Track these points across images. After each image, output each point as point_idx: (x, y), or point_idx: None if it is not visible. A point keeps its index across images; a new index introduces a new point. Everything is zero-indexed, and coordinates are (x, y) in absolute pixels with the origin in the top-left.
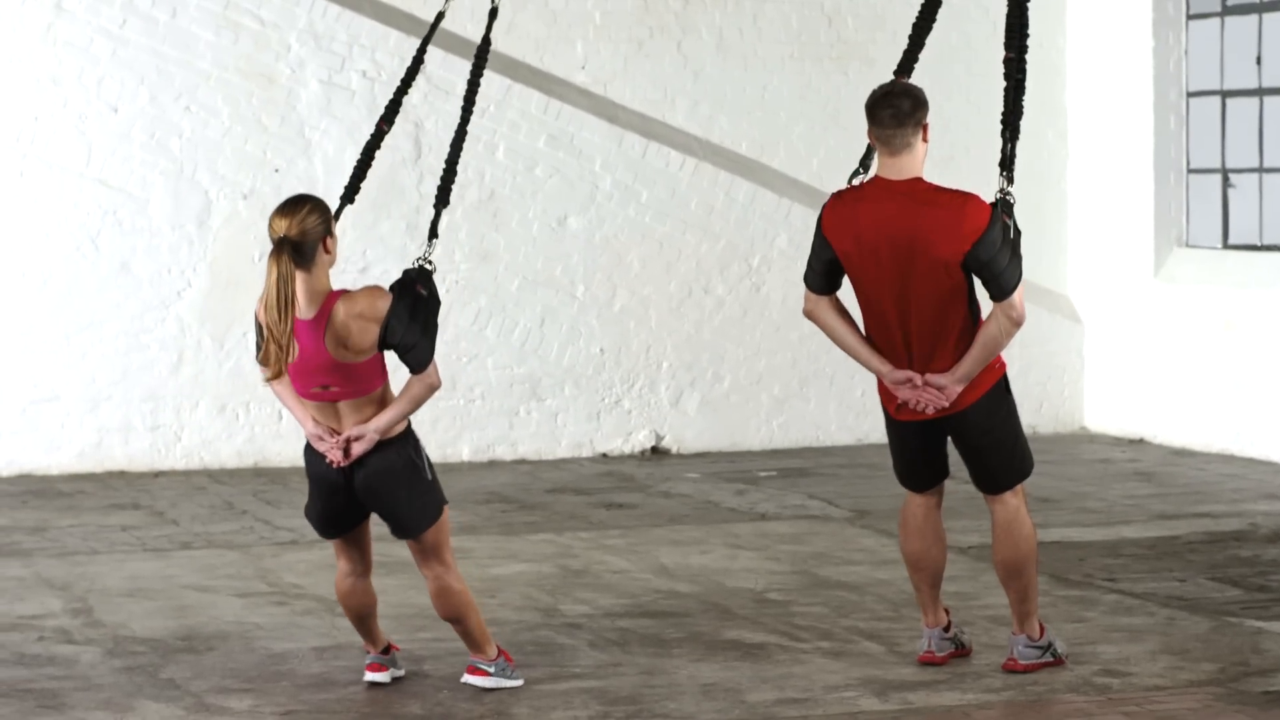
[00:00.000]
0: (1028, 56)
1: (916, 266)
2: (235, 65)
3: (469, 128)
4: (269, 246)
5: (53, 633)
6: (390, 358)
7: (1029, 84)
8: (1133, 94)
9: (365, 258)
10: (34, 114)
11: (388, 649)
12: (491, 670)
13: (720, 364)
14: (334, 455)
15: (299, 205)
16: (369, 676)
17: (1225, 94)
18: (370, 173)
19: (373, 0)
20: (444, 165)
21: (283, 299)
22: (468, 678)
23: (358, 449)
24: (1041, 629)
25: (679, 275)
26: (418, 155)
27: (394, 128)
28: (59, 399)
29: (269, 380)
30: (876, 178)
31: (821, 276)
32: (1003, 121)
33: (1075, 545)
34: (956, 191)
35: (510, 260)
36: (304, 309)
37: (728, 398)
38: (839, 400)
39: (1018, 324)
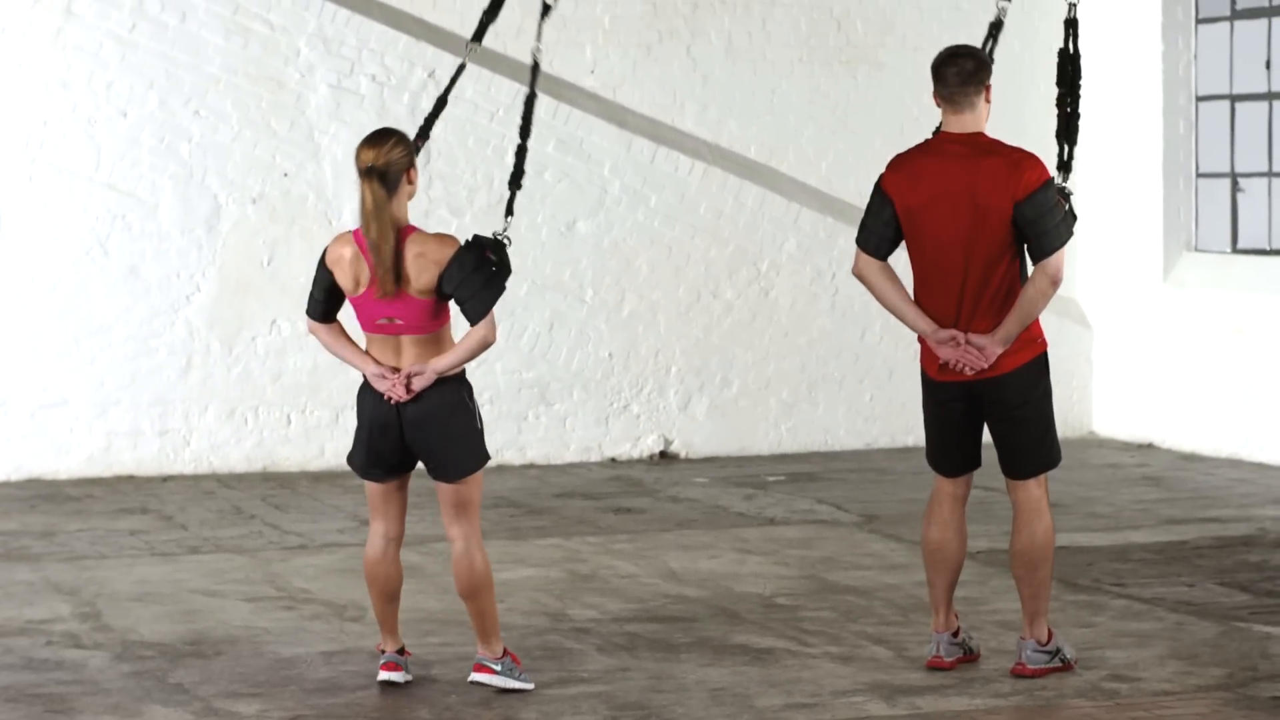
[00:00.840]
0: (1080, 88)
1: (970, 217)
2: (244, 70)
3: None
4: (278, 250)
5: (61, 637)
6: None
7: (1037, 88)
8: (1142, 98)
9: None
10: (43, 118)
11: (402, 650)
12: (498, 669)
13: (729, 368)
14: (396, 391)
15: (385, 137)
16: (384, 676)
17: (1234, 98)
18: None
19: (382, 5)
20: (515, 151)
21: (381, 220)
22: (475, 676)
23: (418, 384)
24: (1050, 634)
25: (688, 280)
26: (427, 160)
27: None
28: (68, 403)
29: (383, 295)
30: (941, 132)
31: (877, 239)
32: (1057, 133)
33: (1084, 550)
34: (1016, 147)
35: (519, 265)
36: (380, 237)
37: (736, 402)
38: (848, 405)
39: (1055, 284)
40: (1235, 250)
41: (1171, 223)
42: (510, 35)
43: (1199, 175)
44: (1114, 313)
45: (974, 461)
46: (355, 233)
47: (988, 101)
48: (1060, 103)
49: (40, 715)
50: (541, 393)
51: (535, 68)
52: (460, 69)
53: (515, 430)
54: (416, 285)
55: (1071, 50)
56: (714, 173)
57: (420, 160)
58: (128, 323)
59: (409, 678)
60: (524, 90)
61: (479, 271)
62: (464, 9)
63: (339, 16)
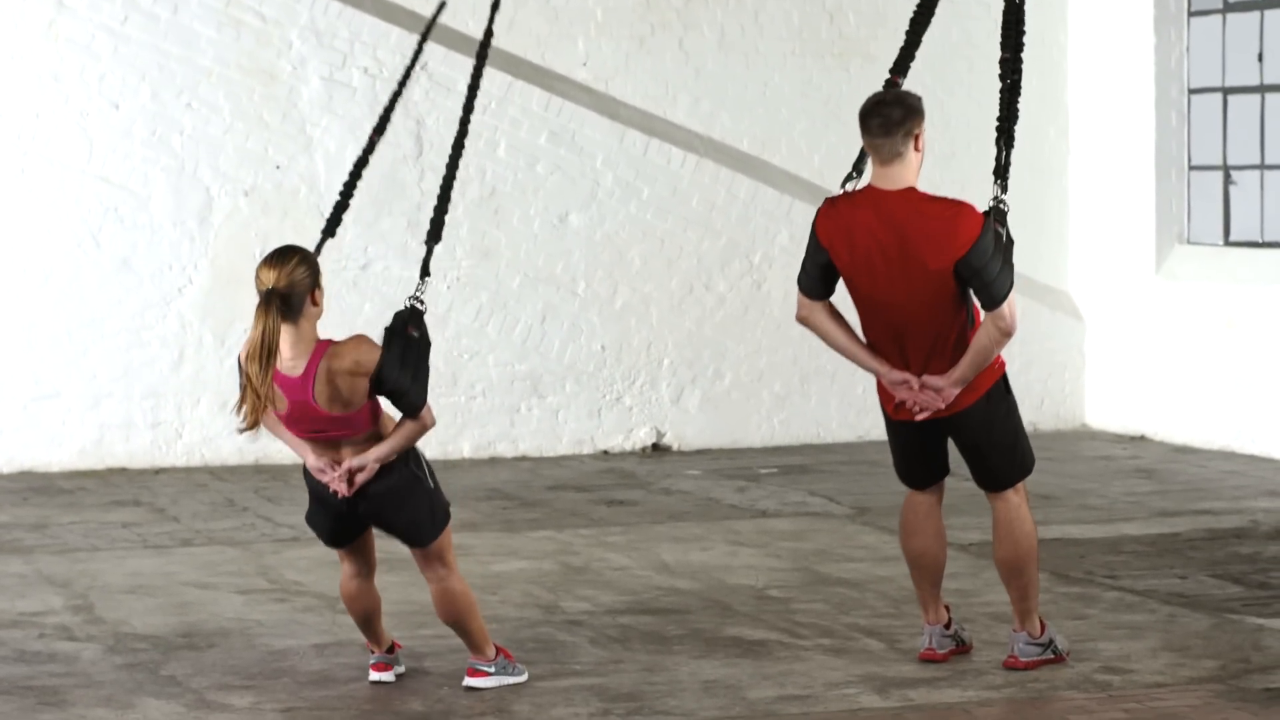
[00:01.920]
0: (1024, 56)
1: (910, 276)
2: (237, 62)
3: (465, 139)
4: (270, 243)
5: (54, 630)
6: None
7: (1030, 82)
8: (1134, 91)
9: (366, 254)
10: (35, 111)
11: (391, 648)
12: (491, 670)
13: (721, 361)
14: (338, 486)
15: (287, 257)
16: (374, 676)
17: (1227, 91)
18: (371, 169)
19: None
20: (435, 201)
21: (265, 352)
22: (468, 680)
23: (361, 479)
24: (1042, 626)
25: (680, 272)
26: (419, 152)
27: (395, 124)
28: (60, 395)
29: (245, 430)
30: (870, 186)
31: (816, 281)
32: (998, 128)
33: (1076, 542)
34: (949, 201)
35: (511, 257)
36: (291, 362)
37: (729, 395)
38: (840, 397)
39: (1007, 334)
40: (1227, 243)
41: (1164, 215)
42: (502, 28)
43: (1191, 168)
44: (1106, 305)
45: (942, 472)
46: None
47: (918, 150)
48: (1005, 69)
49: (33, 708)
50: (534, 385)
51: (495, 5)
52: (438, 11)
53: (508, 422)
54: (347, 399)
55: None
56: (706, 165)
57: (413, 153)
58: (120, 315)
59: (401, 670)
60: (519, 83)
61: (405, 365)
62: (456, 1)
63: (331, 9)
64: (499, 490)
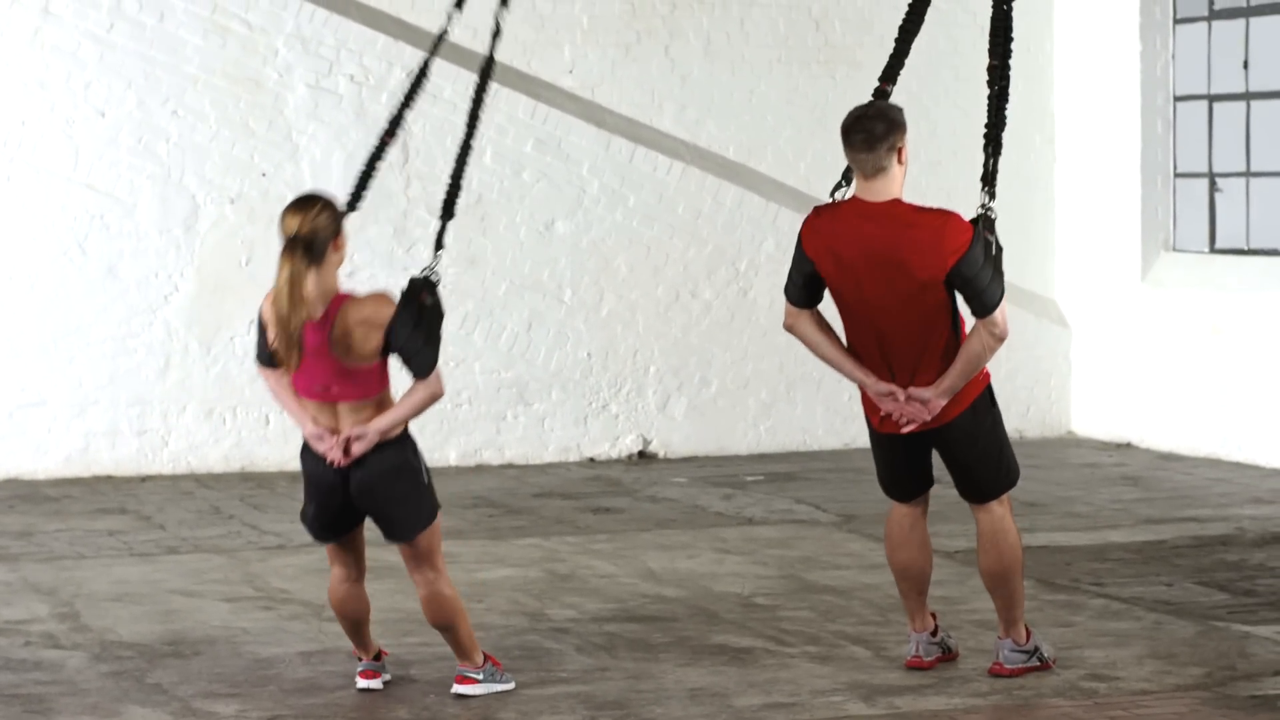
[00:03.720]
0: (1011, 63)
1: (898, 287)
2: (223, 70)
3: (471, 141)
4: (256, 251)
5: (39, 638)
6: (394, 363)
7: (1016, 89)
8: (1120, 98)
9: (353, 262)
10: (21, 118)
11: (378, 655)
12: (480, 677)
13: (707, 368)
14: (334, 455)
15: (311, 203)
16: (362, 684)
17: (1212, 98)
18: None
19: (360, 5)
20: (449, 179)
21: (295, 296)
22: (457, 688)
23: (358, 448)
24: (1028, 633)
25: (666, 279)
26: (405, 160)
27: (381, 131)
28: (46, 403)
29: (277, 370)
30: (855, 198)
31: (802, 290)
32: (985, 135)
33: (1062, 549)
34: (936, 211)
35: (498, 264)
36: (312, 306)
37: (715, 402)
38: (826, 405)
39: (1000, 340)
40: (1213, 250)
41: (1149, 222)
42: (487, 35)
43: (1177, 175)
44: (1092, 312)
45: (926, 484)
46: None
47: (901, 164)
48: (992, 77)
49: (18, 716)
50: (520, 392)
51: (496, 32)
52: (441, 37)
53: (494, 430)
54: (359, 352)
55: (1006, 7)
56: (692, 172)
57: (399, 160)
58: (106, 323)
59: (388, 678)
60: (505, 90)
61: (419, 327)
62: (442, 9)
63: (317, 16)
64: (485, 498)
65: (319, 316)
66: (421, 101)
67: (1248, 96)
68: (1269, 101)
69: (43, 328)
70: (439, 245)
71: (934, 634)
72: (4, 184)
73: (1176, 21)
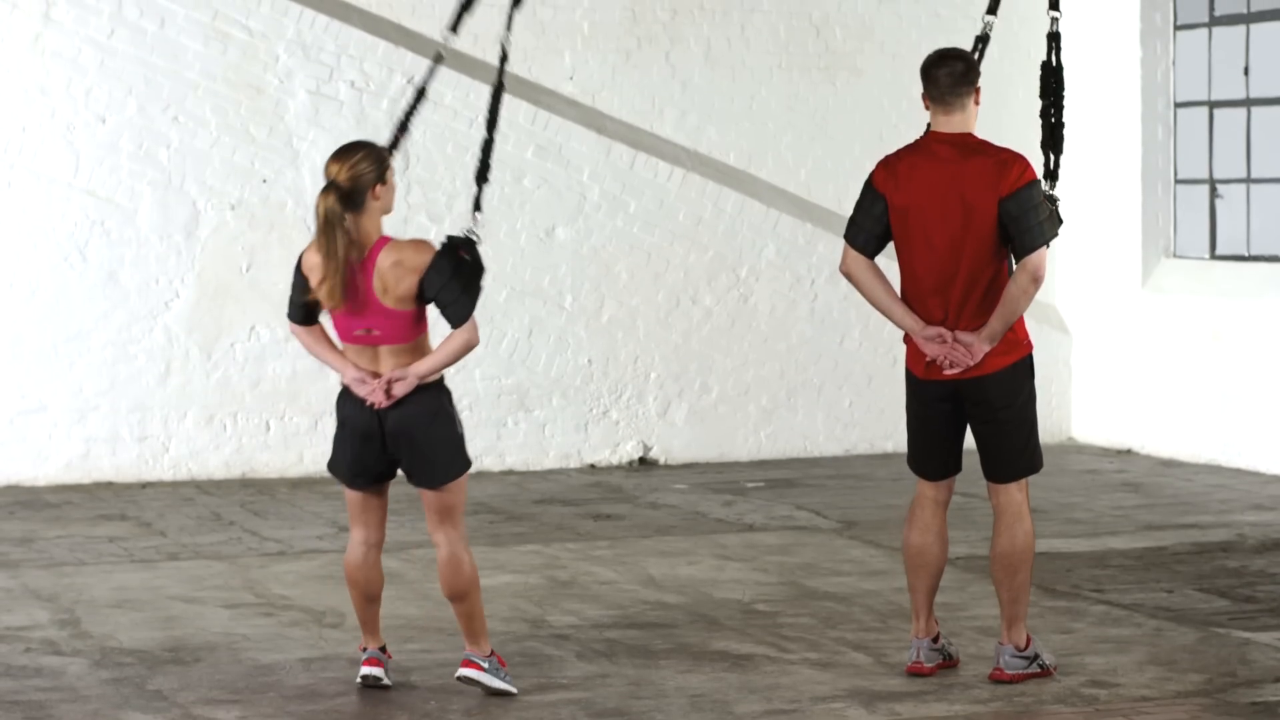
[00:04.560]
0: (1050, 95)
1: (959, 216)
2: (223, 75)
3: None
4: (257, 257)
5: (40, 644)
6: (433, 312)
7: (1017, 94)
8: (1120, 104)
9: None
10: (22, 124)
11: (383, 649)
12: (485, 666)
13: (708, 375)
14: (376, 397)
15: (353, 151)
16: (365, 670)
17: (1213, 104)
18: None
19: (361, 11)
20: (480, 148)
21: (331, 238)
22: (463, 671)
23: (399, 389)
24: (1028, 639)
25: (667, 286)
26: (405, 166)
27: (380, 138)
28: (46, 409)
29: (309, 326)
30: (931, 131)
31: (867, 233)
32: (1045, 145)
33: (1063, 556)
34: (1005, 148)
35: (498, 271)
36: (354, 249)
37: (715, 408)
38: (827, 411)
39: (1036, 281)
40: (1214, 256)
41: (1150, 228)
42: (489, 41)
43: (1177, 181)
44: (1093, 318)
45: (955, 465)
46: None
47: (977, 104)
48: (1044, 114)
49: None
50: (521, 399)
51: (503, 58)
52: (438, 59)
53: (494, 436)
54: (395, 294)
55: (1055, 63)
56: (693, 179)
57: (399, 166)
58: (106, 329)
59: (388, 684)
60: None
61: (457, 276)
62: (443, 16)
63: (318, 23)
64: (485, 504)
65: (361, 259)
66: (429, 110)
67: (1248, 103)
68: (1270, 108)
69: (43, 334)
70: (476, 207)
71: (935, 640)
72: (4, 190)
73: (1177, 27)
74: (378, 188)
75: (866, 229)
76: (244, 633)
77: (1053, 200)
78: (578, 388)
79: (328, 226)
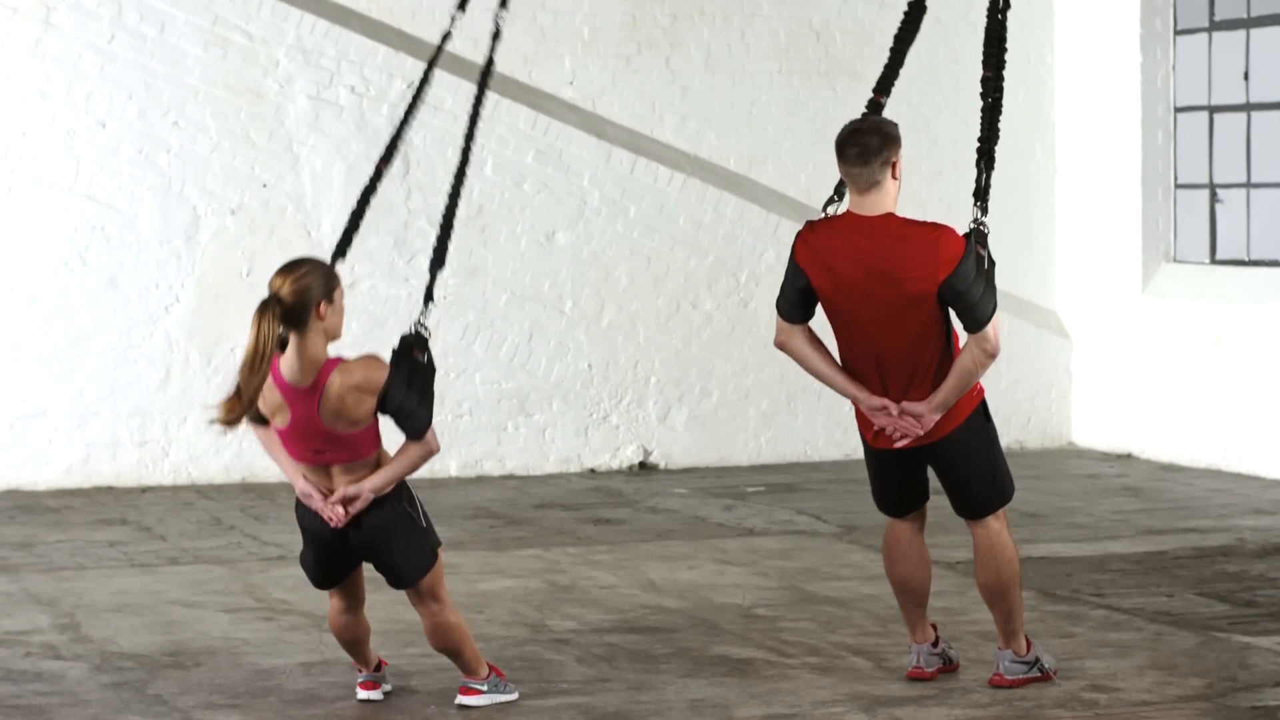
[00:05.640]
0: (1007, 74)
1: (890, 301)
2: (223, 81)
3: (468, 166)
4: (257, 262)
5: (40, 648)
6: (386, 420)
7: (1017, 100)
8: (1121, 109)
9: (354, 273)
10: (22, 129)
11: (378, 666)
12: (484, 689)
13: (708, 379)
14: (330, 514)
15: (298, 266)
16: (362, 695)
17: (1213, 109)
18: (356, 187)
19: (361, 16)
20: (439, 225)
21: (258, 357)
22: (461, 699)
23: (355, 507)
24: (1029, 644)
25: (667, 290)
26: (405, 170)
27: (381, 143)
28: (46, 414)
29: (215, 422)
30: (848, 213)
31: (795, 305)
32: (979, 149)
33: (1063, 560)
34: (929, 224)
35: (498, 275)
36: (300, 374)
37: (715, 413)
38: (827, 415)
39: (992, 356)
40: (1214, 261)
41: (1150, 233)
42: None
43: (1177, 186)
44: (1093, 323)
45: (922, 499)
46: (274, 361)
47: (895, 178)
48: (986, 88)
49: None
50: (521, 403)
51: (496, 35)
52: (445, 38)
53: (494, 441)
54: (351, 418)
55: (1001, 17)
56: (693, 184)
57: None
58: (107, 333)
59: (389, 688)
60: (506, 101)
61: (413, 387)
62: (443, 20)
63: (318, 28)
64: (486, 509)
65: (308, 385)
66: (422, 113)
67: (1248, 107)
68: (1270, 112)
69: (43, 338)
70: (428, 298)
71: (935, 645)
72: (5, 195)
73: (1177, 33)
74: (322, 305)
75: (793, 300)
76: (244, 637)
77: (983, 239)
78: (578, 392)
79: (257, 349)
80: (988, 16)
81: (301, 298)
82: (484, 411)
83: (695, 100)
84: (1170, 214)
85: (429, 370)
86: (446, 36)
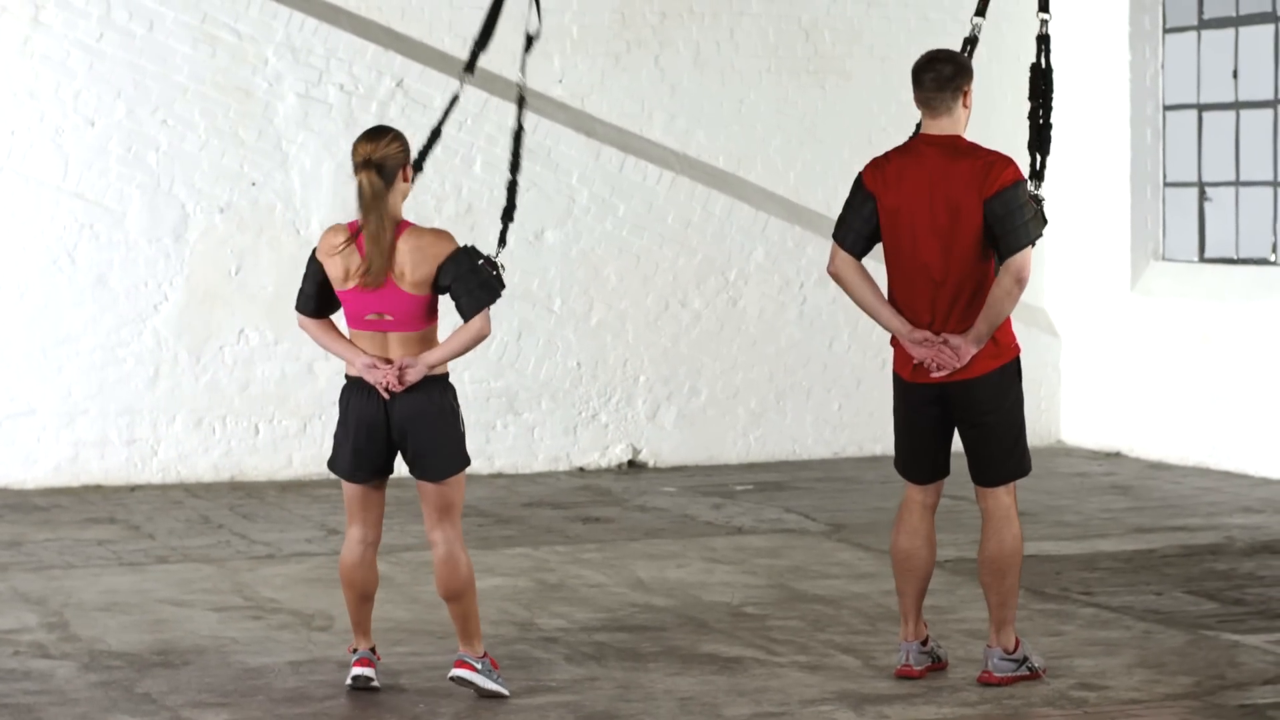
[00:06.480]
0: (1039, 98)
1: (949, 216)
2: (212, 79)
3: (522, 151)
4: (246, 260)
5: (28, 647)
6: (444, 306)
7: (1005, 97)
8: (1109, 107)
9: None
10: (10, 128)
11: (373, 650)
12: (479, 667)
13: (697, 378)
14: (389, 379)
15: (383, 133)
16: (356, 671)
17: (1202, 108)
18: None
19: (350, 14)
20: (506, 186)
21: (379, 210)
22: (456, 671)
23: (411, 375)
24: (1017, 642)
25: (656, 289)
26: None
27: None
28: (35, 413)
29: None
30: (920, 134)
31: (855, 233)
32: (1032, 146)
33: (1052, 558)
34: (993, 150)
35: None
36: (375, 231)
37: (704, 411)
38: (815, 414)
39: (1020, 283)
40: (1202, 259)
41: (1139, 232)
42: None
43: (1166, 184)
44: (1081, 321)
45: (943, 469)
46: (351, 224)
47: (966, 107)
48: (1032, 115)
49: None
50: (510, 402)
51: (521, 101)
52: (454, 101)
53: (483, 439)
54: (412, 278)
55: (1044, 65)
56: (682, 182)
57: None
58: (95, 332)
59: (377, 686)
60: (492, 99)
61: (475, 271)
62: (432, 19)
63: (307, 26)
64: (474, 507)
65: (384, 241)
66: (411, 111)
67: (1237, 106)
68: (1258, 111)
69: (32, 337)
70: (502, 243)
71: (924, 643)
72: None
73: (1166, 31)
74: (406, 169)
75: (855, 229)
76: (233, 636)
77: (1038, 200)
78: (567, 391)
79: (375, 202)
80: (1031, 68)
81: (390, 162)
82: (473, 410)
83: (684, 98)
84: (1159, 212)
85: (495, 275)
86: (455, 100)
